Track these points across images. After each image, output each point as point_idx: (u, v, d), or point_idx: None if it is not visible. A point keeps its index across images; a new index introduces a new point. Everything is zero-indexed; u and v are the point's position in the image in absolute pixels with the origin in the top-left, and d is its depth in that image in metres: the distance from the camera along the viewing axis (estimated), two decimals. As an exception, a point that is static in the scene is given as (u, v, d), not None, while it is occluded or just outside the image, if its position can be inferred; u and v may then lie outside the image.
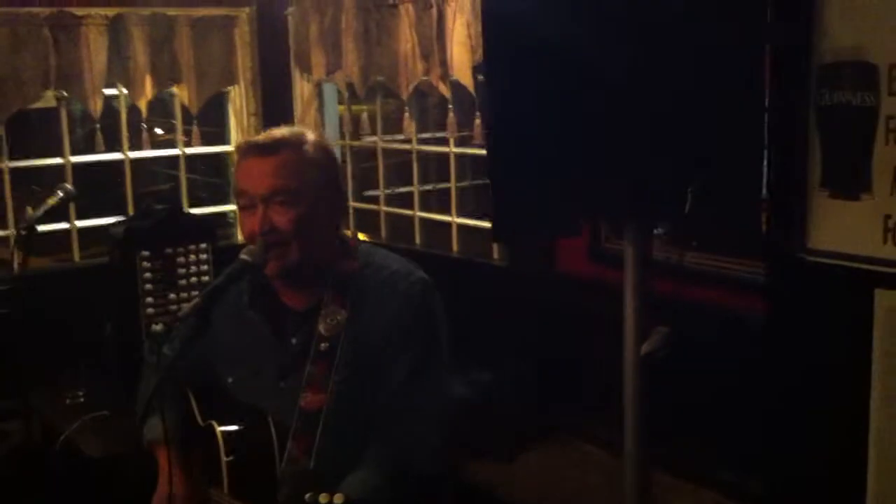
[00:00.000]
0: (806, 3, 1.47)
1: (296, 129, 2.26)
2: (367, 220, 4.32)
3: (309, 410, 2.10)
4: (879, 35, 1.40)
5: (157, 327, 2.75)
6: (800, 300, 1.52)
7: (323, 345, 2.13)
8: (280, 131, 2.21)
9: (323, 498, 1.87)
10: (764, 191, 1.51)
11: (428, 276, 2.26)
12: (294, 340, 2.19)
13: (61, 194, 2.84)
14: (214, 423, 2.19)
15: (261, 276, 2.22)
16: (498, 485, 2.92)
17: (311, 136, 2.23)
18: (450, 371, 2.28)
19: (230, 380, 2.29)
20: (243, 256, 2.16)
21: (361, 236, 4.17)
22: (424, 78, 3.63)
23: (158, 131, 5.28)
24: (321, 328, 2.13)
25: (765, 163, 1.49)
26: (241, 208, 2.20)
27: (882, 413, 1.46)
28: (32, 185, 3.08)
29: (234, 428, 2.19)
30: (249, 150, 2.19)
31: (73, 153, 3.94)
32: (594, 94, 1.57)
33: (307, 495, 1.88)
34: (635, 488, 1.81)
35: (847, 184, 1.42)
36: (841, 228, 1.44)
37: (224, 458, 2.15)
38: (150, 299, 3.23)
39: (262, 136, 2.21)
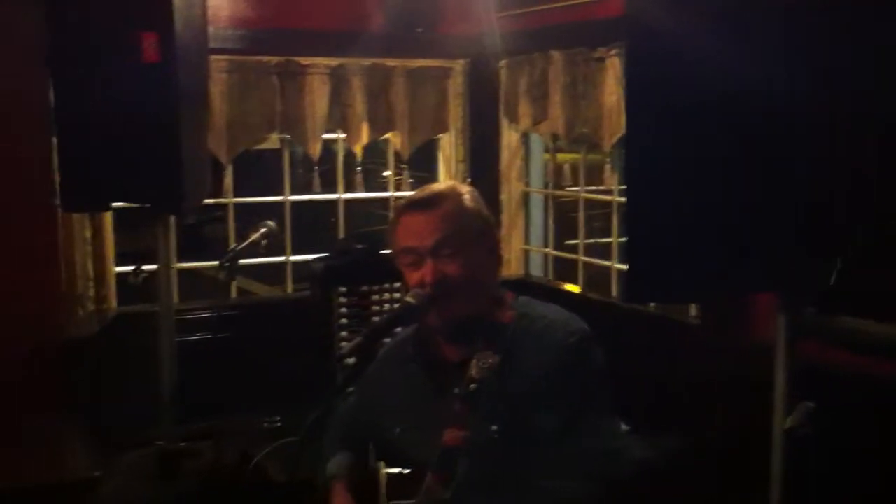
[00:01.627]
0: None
1: (449, 183, 2.35)
2: (566, 270, 4.33)
3: (450, 445, 2.15)
4: None
5: (350, 361, 3.01)
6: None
7: (471, 385, 2.16)
8: (436, 186, 2.31)
9: None
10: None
11: (589, 327, 2.25)
12: (456, 391, 2.22)
13: (263, 230, 3.03)
14: (381, 465, 2.30)
15: (423, 329, 2.29)
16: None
17: (465, 188, 2.32)
18: (612, 426, 2.24)
19: (397, 430, 2.38)
20: (408, 299, 2.25)
21: (570, 287, 4.17)
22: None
23: (386, 173, 5.52)
24: (472, 370, 2.18)
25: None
26: (406, 266, 2.26)
27: None
28: (254, 220, 3.31)
29: (397, 471, 2.28)
30: (411, 206, 2.27)
31: (293, 192, 4.20)
32: (739, 159, 1.53)
33: None
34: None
35: None
36: None
37: (383, 495, 2.26)
38: (344, 333, 3.36)
39: (421, 192, 2.29)
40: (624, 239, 3.96)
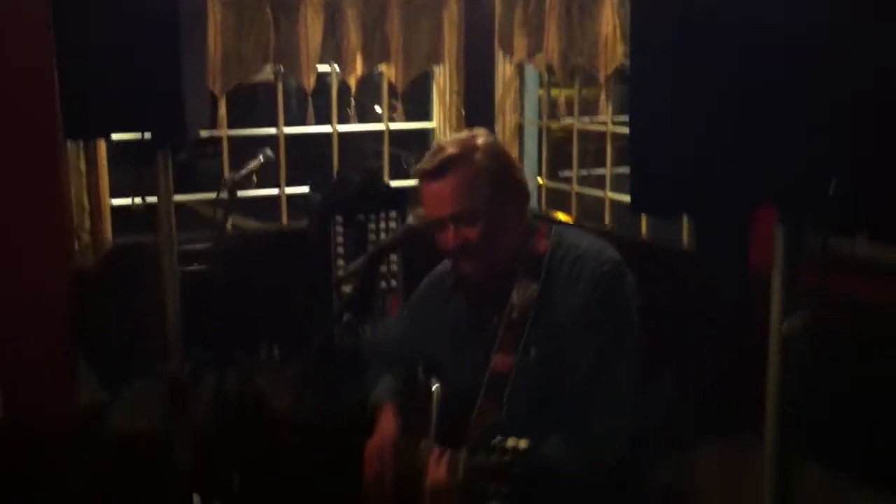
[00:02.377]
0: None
1: (464, 137, 2.28)
2: (559, 200, 4.36)
3: (499, 372, 2.19)
4: None
5: (347, 290, 3.07)
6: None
7: (514, 314, 2.19)
8: (447, 148, 2.24)
9: (510, 441, 1.94)
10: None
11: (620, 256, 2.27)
12: (495, 319, 2.25)
13: (261, 159, 3.03)
14: (434, 384, 2.35)
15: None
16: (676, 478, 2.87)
17: (480, 140, 2.26)
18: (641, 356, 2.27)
19: (443, 356, 2.41)
20: (409, 222, 2.28)
21: (561, 216, 4.21)
22: (625, 61, 3.62)
23: (377, 109, 5.51)
24: (514, 298, 2.20)
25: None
26: (435, 228, 2.28)
27: None
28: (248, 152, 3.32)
29: (445, 389, 2.34)
30: (425, 175, 2.25)
31: (287, 125, 4.20)
32: (748, 71, 1.54)
33: (495, 440, 1.96)
34: (774, 473, 1.76)
35: None
36: None
37: (434, 415, 2.31)
38: (341, 263, 3.39)
39: (431, 159, 2.25)
40: (618, 169, 4.02)
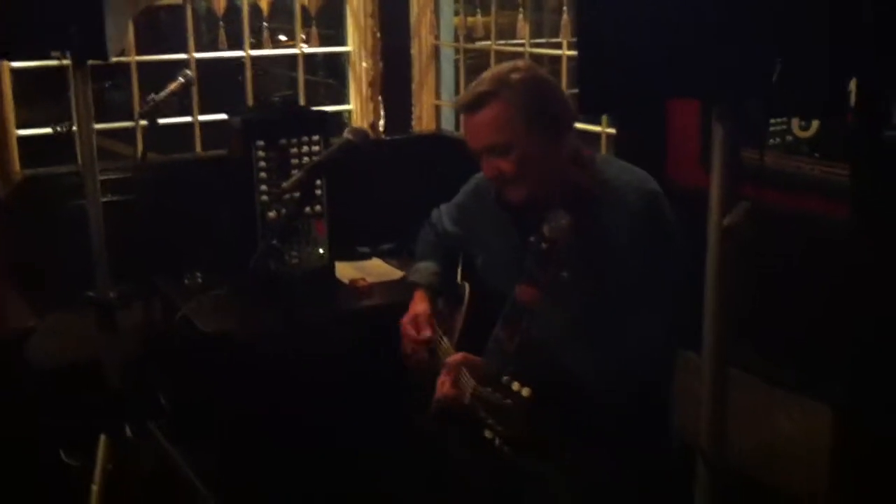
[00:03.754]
0: None
1: (502, 71, 2.29)
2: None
3: (521, 301, 2.23)
4: None
5: (272, 215, 3.10)
6: (883, 178, 1.51)
7: (544, 245, 2.21)
8: (483, 83, 2.27)
9: (515, 385, 2.01)
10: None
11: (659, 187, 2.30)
12: (531, 239, 2.25)
13: (182, 80, 2.98)
14: (466, 285, 2.53)
15: None
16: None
17: (515, 76, 2.26)
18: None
19: (480, 259, 2.54)
20: (347, 136, 2.28)
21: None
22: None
23: (282, 38, 5.42)
24: (545, 229, 2.21)
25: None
26: (475, 155, 2.32)
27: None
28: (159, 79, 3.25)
29: (477, 292, 2.50)
30: (463, 108, 2.33)
31: (197, 50, 4.10)
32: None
33: (504, 377, 2.03)
34: (712, 378, 1.82)
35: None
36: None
37: (462, 317, 2.49)
38: (264, 187, 3.35)
39: (468, 93, 2.30)
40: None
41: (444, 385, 2.27)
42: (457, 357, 2.30)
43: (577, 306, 2.26)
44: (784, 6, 1.50)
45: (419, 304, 2.61)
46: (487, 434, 2.06)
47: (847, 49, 1.47)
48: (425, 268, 2.70)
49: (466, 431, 2.22)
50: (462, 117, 2.35)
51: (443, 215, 2.76)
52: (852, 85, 1.44)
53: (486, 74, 2.31)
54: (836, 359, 2.40)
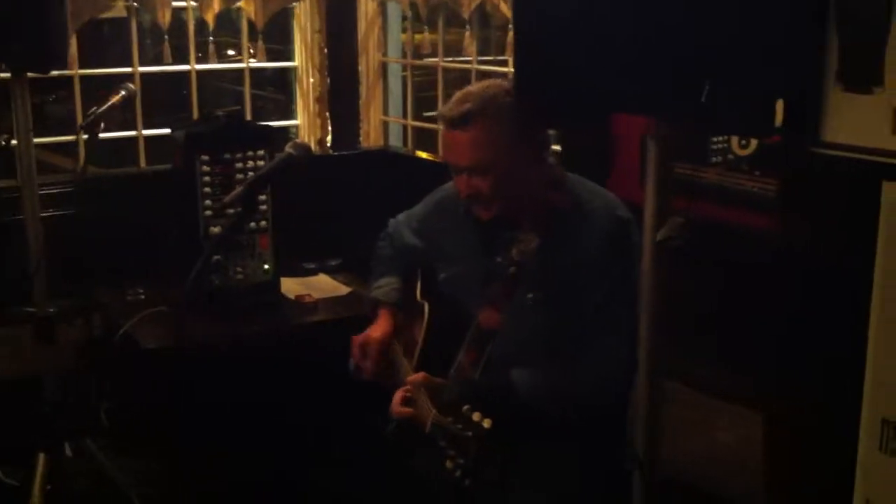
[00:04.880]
0: None
1: (490, 91, 2.26)
2: (424, 140, 4.40)
3: (484, 327, 2.21)
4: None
5: (215, 230, 3.05)
6: (813, 193, 1.55)
7: (511, 268, 2.20)
8: (469, 98, 2.24)
9: (476, 416, 1.99)
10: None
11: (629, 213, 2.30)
12: (498, 259, 2.24)
13: (123, 93, 2.95)
14: (425, 303, 2.47)
15: None
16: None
17: (505, 96, 2.23)
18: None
19: (443, 275, 2.49)
20: (288, 150, 2.28)
21: (428, 156, 4.23)
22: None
23: (230, 52, 5.41)
24: (513, 252, 2.20)
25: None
26: (452, 171, 2.32)
27: (883, 308, 1.49)
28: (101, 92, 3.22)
29: (437, 312, 2.44)
30: (447, 123, 2.27)
31: (142, 64, 4.06)
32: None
33: (465, 407, 2.01)
34: (647, 384, 1.84)
35: (860, 77, 1.44)
36: (853, 122, 1.46)
37: (422, 334, 2.44)
38: (208, 202, 3.32)
39: (452, 107, 2.25)
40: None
41: (400, 401, 2.25)
42: (417, 377, 2.26)
43: (542, 328, 2.27)
44: (715, 28, 1.54)
45: (378, 328, 2.52)
46: (448, 465, 2.03)
47: (775, 69, 1.51)
48: (387, 283, 2.61)
49: (426, 455, 2.19)
50: (443, 129, 2.31)
51: (401, 226, 2.71)
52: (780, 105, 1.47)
53: (474, 89, 2.30)
54: (764, 365, 2.45)
